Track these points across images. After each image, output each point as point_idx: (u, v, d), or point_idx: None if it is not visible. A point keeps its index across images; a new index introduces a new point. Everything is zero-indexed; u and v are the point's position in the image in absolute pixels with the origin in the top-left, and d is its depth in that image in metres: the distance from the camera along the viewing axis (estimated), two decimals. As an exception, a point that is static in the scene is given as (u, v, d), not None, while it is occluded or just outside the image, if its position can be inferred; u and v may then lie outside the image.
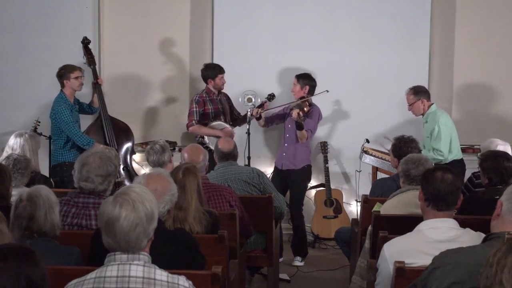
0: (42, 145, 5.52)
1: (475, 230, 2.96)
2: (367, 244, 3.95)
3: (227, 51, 6.63)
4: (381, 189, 4.58)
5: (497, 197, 2.70)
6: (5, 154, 4.84)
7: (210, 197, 4.22)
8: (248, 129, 6.02)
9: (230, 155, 4.82)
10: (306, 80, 6.09)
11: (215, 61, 6.45)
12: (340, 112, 6.74)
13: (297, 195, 6.07)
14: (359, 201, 5.91)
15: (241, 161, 5.54)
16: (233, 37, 6.67)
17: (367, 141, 6.29)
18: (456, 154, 5.66)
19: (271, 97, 6.23)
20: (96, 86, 6.02)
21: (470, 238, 2.87)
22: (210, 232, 3.55)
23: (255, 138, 6.32)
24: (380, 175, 5.96)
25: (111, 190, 3.52)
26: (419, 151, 4.78)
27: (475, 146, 6.37)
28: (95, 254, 2.85)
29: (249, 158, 5.99)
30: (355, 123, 6.69)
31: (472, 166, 5.42)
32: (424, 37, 6.62)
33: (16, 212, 2.99)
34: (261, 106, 6.19)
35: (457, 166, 5.44)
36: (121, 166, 5.85)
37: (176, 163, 4.30)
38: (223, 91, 6.22)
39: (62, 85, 5.72)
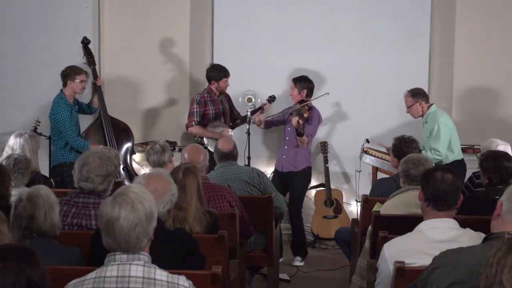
0: (42, 145, 5.52)
1: (475, 230, 2.96)
2: (367, 244, 3.95)
3: (227, 51, 6.63)
4: (381, 189, 4.58)
5: (497, 197, 2.70)
6: (5, 154, 4.84)
7: (210, 197, 4.22)
8: (248, 129, 6.02)
9: (230, 155, 4.82)
10: (304, 83, 6.06)
11: (215, 61, 6.45)
12: (340, 112, 6.74)
13: (296, 197, 6.07)
14: (359, 201, 5.91)
15: (241, 161, 5.54)
16: (233, 37, 6.67)
17: (367, 141, 6.29)
18: (457, 155, 5.66)
19: (271, 99, 6.22)
20: (96, 86, 6.02)
21: (470, 238, 2.87)
22: (210, 232, 3.55)
23: (255, 138, 6.33)
24: (380, 175, 5.96)
25: (111, 190, 3.52)
26: (419, 151, 4.77)
27: (475, 146, 6.37)
28: (95, 254, 2.85)
29: (249, 158, 5.99)
30: (355, 123, 6.69)
31: (472, 166, 5.43)
32: (424, 37, 6.62)
33: (16, 212, 2.99)
34: (260, 108, 6.19)
35: (458, 166, 5.44)
36: (121, 166, 5.85)
37: (176, 163, 4.30)
38: (224, 91, 6.23)
39: (65, 85, 5.71)
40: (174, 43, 6.78)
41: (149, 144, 4.94)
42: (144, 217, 2.37)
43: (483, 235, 2.69)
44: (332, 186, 6.59)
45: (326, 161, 6.55)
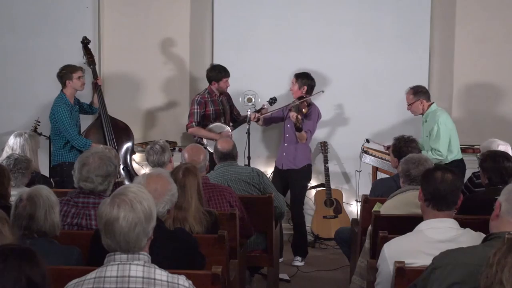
0: (42, 145, 5.52)
1: (475, 230, 2.97)
2: (367, 244, 3.95)
3: (227, 51, 6.63)
4: (381, 189, 4.58)
5: (497, 197, 2.70)
6: (5, 154, 4.84)
7: (210, 197, 4.22)
8: (248, 129, 6.02)
9: (229, 155, 4.82)
10: (305, 79, 6.08)
11: (215, 61, 6.45)
12: (340, 112, 6.74)
13: (297, 195, 6.07)
14: (359, 201, 5.91)
15: (241, 161, 5.54)
16: (233, 37, 6.67)
17: (367, 141, 6.30)
18: (456, 154, 5.66)
19: (272, 101, 6.20)
20: (96, 86, 6.02)
21: (470, 238, 2.87)
22: (210, 232, 3.55)
23: (255, 138, 6.33)
24: (380, 175, 5.96)
25: (111, 190, 3.52)
26: (419, 151, 4.77)
27: (475, 146, 6.37)
28: (95, 254, 2.85)
29: (249, 158, 5.99)
30: (355, 123, 6.69)
31: (472, 166, 5.42)
32: (424, 37, 6.62)
33: (16, 212, 2.99)
34: (260, 109, 6.19)
35: (457, 166, 5.44)
36: (121, 166, 5.85)
37: (176, 163, 4.29)
38: (224, 91, 6.23)
39: (64, 86, 5.70)
40: (174, 43, 6.78)
41: (149, 144, 4.94)
42: (143, 217, 2.37)
43: (483, 235, 2.69)
44: (332, 186, 6.60)
45: (326, 161, 6.55)
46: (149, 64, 6.76)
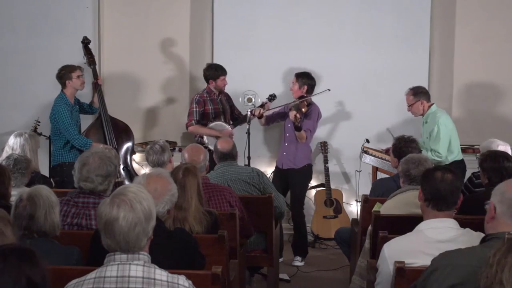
0: (42, 145, 5.52)
1: (475, 230, 2.96)
2: (367, 244, 3.95)
3: (227, 51, 6.63)
4: (381, 189, 4.58)
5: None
6: (5, 154, 4.84)
7: (210, 197, 4.22)
8: (248, 129, 6.02)
9: (229, 155, 4.82)
10: (305, 79, 6.08)
11: (215, 61, 6.45)
12: (340, 112, 6.74)
13: (298, 195, 6.07)
14: (359, 201, 5.91)
15: (241, 161, 5.54)
16: (233, 37, 6.67)
17: (367, 141, 6.30)
18: (457, 155, 5.65)
19: (272, 97, 6.21)
20: (96, 86, 6.02)
21: (470, 238, 2.87)
22: (210, 232, 3.55)
23: (255, 137, 6.32)
24: (380, 175, 5.96)
25: (111, 190, 3.52)
26: (419, 151, 4.77)
27: (475, 146, 6.36)
28: (95, 254, 2.85)
29: (249, 158, 5.99)
30: (355, 123, 6.69)
31: (472, 166, 5.42)
32: (424, 36, 6.62)
33: (16, 211, 2.99)
34: (262, 106, 6.19)
35: (458, 166, 5.43)
36: (121, 166, 5.85)
37: (176, 163, 4.29)
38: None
39: (64, 86, 5.70)
40: (174, 43, 6.78)
41: (149, 144, 4.94)
42: (143, 217, 2.37)
43: (483, 235, 2.69)
44: (332, 186, 6.59)
45: (326, 161, 6.55)
46: (149, 64, 6.76)
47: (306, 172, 6.09)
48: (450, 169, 3.16)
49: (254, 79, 6.52)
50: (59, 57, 6.28)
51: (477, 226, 3.02)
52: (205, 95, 6.08)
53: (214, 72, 6.07)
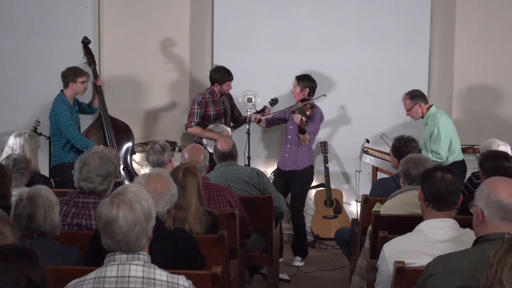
0: (42, 145, 5.52)
1: (475, 230, 2.96)
2: (367, 244, 3.95)
3: (227, 51, 6.63)
4: (381, 189, 4.58)
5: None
6: (5, 154, 4.84)
7: (210, 197, 4.22)
8: (248, 129, 6.02)
9: (229, 155, 4.81)
10: (306, 81, 6.07)
11: (215, 61, 6.45)
12: (340, 112, 6.74)
13: (298, 195, 6.06)
14: (359, 201, 5.91)
15: (241, 161, 5.54)
16: (233, 37, 6.67)
17: (367, 141, 6.30)
18: (457, 156, 5.65)
19: (273, 102, 6.20)
20: (96, 86, 6.02)
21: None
22: (210, 232, 3.55)
23: (255, 138, 6.33)
24: (380, 175, 5.96)
25: (111, 190, 3.51)
26: (419, 151, 4.77)
27: (475, 146, 6.36)
28: (95, 254, 2.85)
29: (249, 158, 5.99)
30: (355, 123, 6.69)
31: (472, 166, 5.42)
32: (424, 37, 6.62)
33: (16, 211, 2.99)
34: (262, 110, 6.18)
35: (458, 167, 5.43)
36: (121, 166, 5.85)
37: (176, 163, 4.29)
38: (225, 92, 6.23)
39: (66, 86, 5.71)
40: (174, 43, 6.77)
41: (149, 144, 4.94)
42: (143, 216, 2.37)
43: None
44: (332, 186, 6.59)
45: (326, 161, 6.55)
46: (149, 64, 6.76)
47: (308, 174, 6.09)
48: (450, 169, 3.16)
49: (254, 79, 6.52)
50: (59, 57, 6.29)
51: (477, 226, 3.02)
52: (207, 96, 6.07)
53: (222, 76, 6.03)
